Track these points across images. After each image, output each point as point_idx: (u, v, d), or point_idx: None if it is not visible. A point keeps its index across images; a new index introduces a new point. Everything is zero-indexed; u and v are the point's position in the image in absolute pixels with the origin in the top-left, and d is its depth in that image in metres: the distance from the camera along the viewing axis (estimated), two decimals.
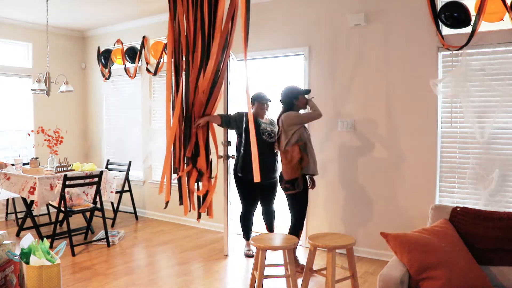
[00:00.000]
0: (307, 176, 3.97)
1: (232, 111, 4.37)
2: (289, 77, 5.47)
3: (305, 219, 4.18)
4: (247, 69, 3.83)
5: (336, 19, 4.49)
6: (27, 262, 2.71)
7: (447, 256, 2.43)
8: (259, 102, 4.23)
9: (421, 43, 4.02)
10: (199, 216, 4.33)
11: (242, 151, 4.25)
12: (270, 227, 4.49)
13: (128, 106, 6.48)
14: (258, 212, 4.49)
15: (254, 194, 4.33)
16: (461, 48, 3.74)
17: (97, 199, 4.77)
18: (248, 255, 4.44)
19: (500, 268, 2.57)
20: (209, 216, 4.33)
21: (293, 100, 3.92)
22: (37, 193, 4.55)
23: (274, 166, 4.27)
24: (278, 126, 3.98)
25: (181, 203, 4.26)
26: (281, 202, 4.53)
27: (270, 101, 4.30)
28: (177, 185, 4.29)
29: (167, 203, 4.28)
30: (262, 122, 4.24)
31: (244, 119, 4.17)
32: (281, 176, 3.94)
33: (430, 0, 3.82)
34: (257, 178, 3.60)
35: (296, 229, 3.95)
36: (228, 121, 4.16)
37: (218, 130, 4.39)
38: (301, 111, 4.01)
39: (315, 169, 3.91)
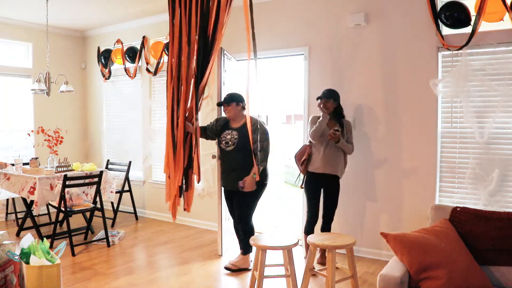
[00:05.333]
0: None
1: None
2: (289, 77, 5.47)
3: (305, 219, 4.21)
4: (257, 70, 3.62)
5: (336, 19, 4.49)
6: (27, 262, 2.70)
7: (447, 256, 2.43)
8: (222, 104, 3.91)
9: (421, 43, 4.02)
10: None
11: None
12: (240, 245, 4.09)
13: (128, 106, 6.48)
14: (258, 212, 4.47)
15: (229, 204, 4.15)
16: (461, 48, 3.74)
17: (97, 199, 4.77)
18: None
19: (500, 268, 2.57)
20: (186, 210, 4.05)
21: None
22: (37, 193, 4.55)
23: (235, 172, 3.84)
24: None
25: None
26: (283, 203, 4.52)
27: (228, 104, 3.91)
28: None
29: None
30: (231, 128, 3.95)
31: (218, 123, 4.00)
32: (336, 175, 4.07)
33: (430, 0, 3.83)
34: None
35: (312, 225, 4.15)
36: (204, 133, 4.01)
37: None
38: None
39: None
